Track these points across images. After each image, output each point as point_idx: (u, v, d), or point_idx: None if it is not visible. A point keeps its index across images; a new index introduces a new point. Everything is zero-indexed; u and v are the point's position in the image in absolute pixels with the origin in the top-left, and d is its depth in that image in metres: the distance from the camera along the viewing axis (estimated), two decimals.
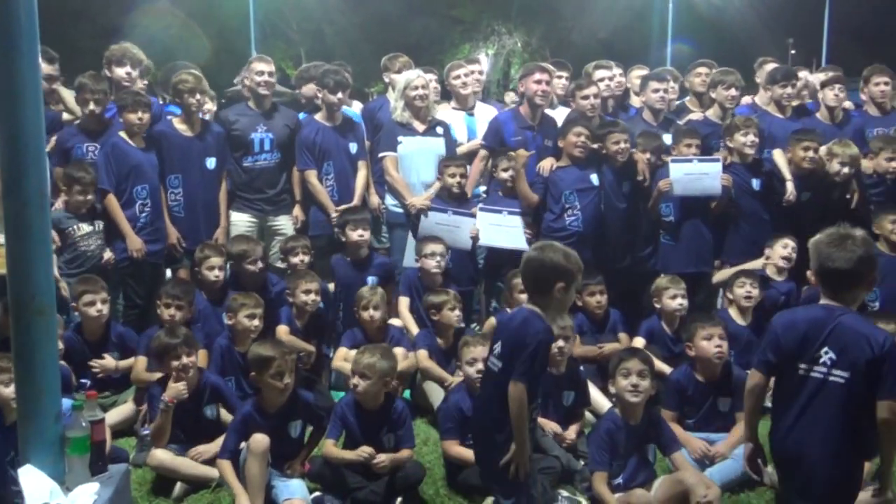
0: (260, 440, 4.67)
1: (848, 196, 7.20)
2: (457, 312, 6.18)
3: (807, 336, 3.64)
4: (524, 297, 6.13)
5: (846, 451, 3.59)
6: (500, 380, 3.82)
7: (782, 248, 6.82)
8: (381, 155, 7.40)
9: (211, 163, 7.12)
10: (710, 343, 5.46)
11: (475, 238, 7.01)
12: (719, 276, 7.04)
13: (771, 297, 6.67)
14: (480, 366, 5.12)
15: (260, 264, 6.64)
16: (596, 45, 29.99)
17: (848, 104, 8.07)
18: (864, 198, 7.18)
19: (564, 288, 3.88)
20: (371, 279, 6.81)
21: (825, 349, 3.59)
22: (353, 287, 6.61)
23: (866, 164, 7.20)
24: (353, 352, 6.04)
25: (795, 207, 7.13)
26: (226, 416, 5.35)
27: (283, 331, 6.22)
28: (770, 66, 8.24)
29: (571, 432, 5.41)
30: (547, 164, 6.99)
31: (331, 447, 4.96)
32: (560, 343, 5.45)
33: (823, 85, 7.79)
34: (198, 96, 6.98)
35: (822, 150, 7.14)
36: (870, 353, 3.50)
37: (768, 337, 3.76)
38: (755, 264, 6.89)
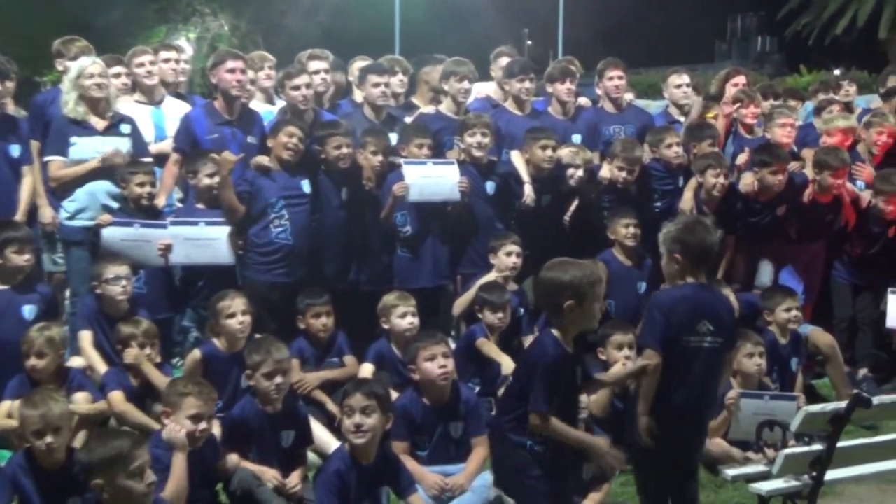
0: None
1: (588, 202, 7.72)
2: (146, 350, 5.99)
3: (693, 311, 4.67)
4: (233, 322, 6.13)
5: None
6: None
7: (506, 257, 7.08)
8: (45, 159, 7.09)
9: None
10: (433, 364, 5.62)
11: (166, 256, 6.82)
12: (458, 305, 7.22)
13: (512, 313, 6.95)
14: (204, 425, 4.94)
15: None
16: (314, 29, 30.23)
17: (584, 100, 8.68)
18: (599, 203, 7.71)
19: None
20: (28, 308, 6.43)
21: (704, 321, 4.67)
22: (4, 318, 6.22)
23: (603, 173, 7.73)
24: (17, 403, 5.68)
25: (535, 213, 7.54)
26: None
27: None
28: (505, 60, 8.65)
29: (294, 478, 5.38)
30: (262, 163, 6.93)
31: None
32: (278, 379, 5.42)
33: (553, 79, 8.22)
34: None
35: (564, 152, 7.59)
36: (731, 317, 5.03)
37: (654, 319, 4.67)
38: (489, 278, 7.14)
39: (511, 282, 7.17)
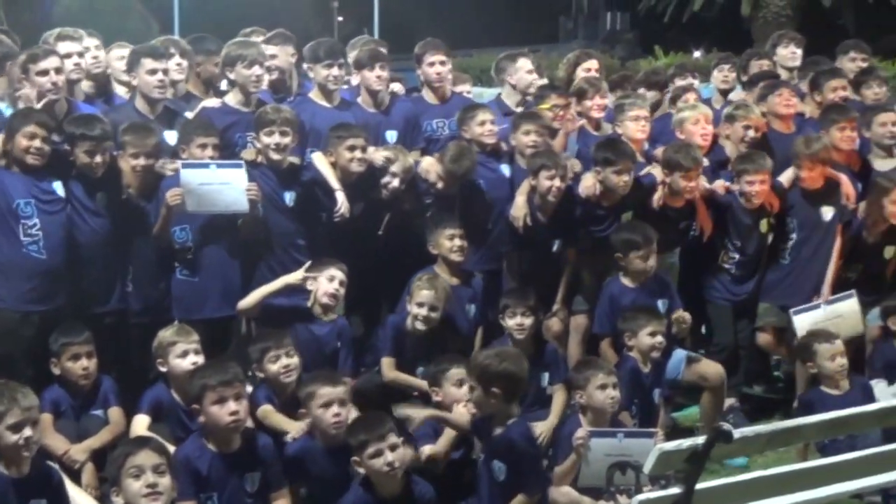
0: None
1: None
2: None
3: None
4: None
5: None
6: None
7: (328, 282, 7.08)
8: None
9: None
10: (222, 409, 5.59)
11: None
12: (245, 303, 7.15)
13: (319, 346, 7.03)
14: None
15: None
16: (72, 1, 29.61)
17: (396, 86, 8.80)
18: (419, 211, 7.86)
19: None
20: None
21: None
22: None
23: (429, 177, 7.83)
24: None
25: (346, 226, 7.58)
26: None
27: None
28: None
29: None
30: None
31: None
32: (27, 432, 5.22)
33: (361, 65, 8.28)
34: None
35: (378, 155, 7.65)
36: None
37: None
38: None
39: (330, 311, 7.19)
